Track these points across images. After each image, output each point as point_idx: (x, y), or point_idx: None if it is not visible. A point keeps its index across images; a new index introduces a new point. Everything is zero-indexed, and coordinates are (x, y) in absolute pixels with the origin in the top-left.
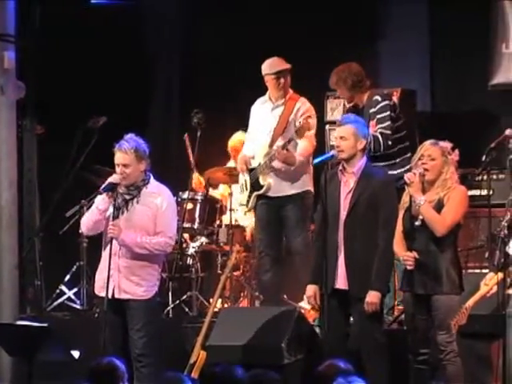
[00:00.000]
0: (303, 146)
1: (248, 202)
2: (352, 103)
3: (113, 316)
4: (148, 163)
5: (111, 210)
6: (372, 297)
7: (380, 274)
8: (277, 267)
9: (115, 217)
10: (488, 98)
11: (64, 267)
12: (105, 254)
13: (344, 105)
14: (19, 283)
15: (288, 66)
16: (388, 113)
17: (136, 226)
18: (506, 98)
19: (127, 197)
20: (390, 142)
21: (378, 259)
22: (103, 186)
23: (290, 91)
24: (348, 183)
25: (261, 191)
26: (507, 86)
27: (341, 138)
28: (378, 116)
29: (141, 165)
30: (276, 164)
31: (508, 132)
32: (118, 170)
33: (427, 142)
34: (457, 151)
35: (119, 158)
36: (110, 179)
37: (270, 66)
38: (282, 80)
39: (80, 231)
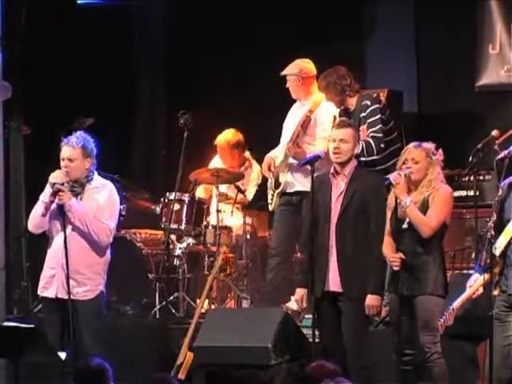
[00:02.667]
0: (317, 147)
1: (272, 201)
2: (342, 107)
3: (55, 316)
4: (94, 163)
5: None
6: (372, 300)
7: (377, 276)
8: (280, 268)
9: (61, 214)
10: (475, 98)
11: None
12: (49, 251)
13: None
14: (6, 284)
15: (293, 71)
16: (379, 116)
17: None
18: (492, 98)
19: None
20: (382, 145)
21: (374, 262)
22: (52, 190)
23: (318, 91)
24: (339, 185)
25: (279, 189)
26: (494, 86)
27: (341, 140)
28: (369, 120)
29: (86, 162)
30: (291, 160)
31: (495, 133)
32: (62, 164)
33: (410, 145)
34: (440, 151)
35: (65, 151)
36: (51, 179)
37: (288, 68)
38: (298, 83)
39: None
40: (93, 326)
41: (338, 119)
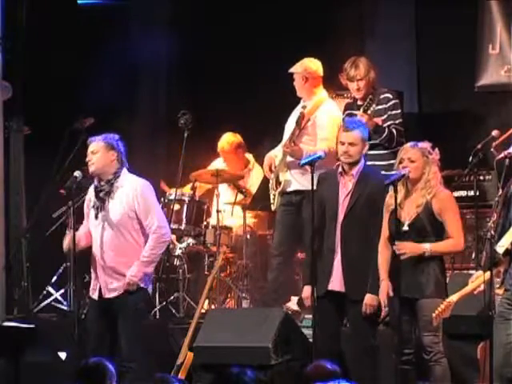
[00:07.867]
0: (317, 147)
1: (274, 200)
2: (361, 97)
3: (100, 317)
4: (121, 160)
5: (92, 213)
6: (370, 299)
7: (375, 276)
8: (281, 268)
9: (95, 216)
10: (475, 99)
11: (51, 268)
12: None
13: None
14: (6, 284)
15: (298, 70)
16: (400, 111)
17: (113, 224)
18: (492, 99)
19: (101, 194)
20: (403, 139)
21: (375, 262)
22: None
23: (322, 93)
24: (347, 185)
25: (279, 189)
26: (494, 87)
27: (350, 144)
28: (390, 112)
29: (110, 154)
30: (290, 159)
31: (495, 133)
32: (87, 159)
33: (406, 145)
34: (437, 150)
35: (89, 147)
36: (75, 174)
37: (295, 65)
38: (302, 81)
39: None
40: (132, 321)
41: (345, 112)
